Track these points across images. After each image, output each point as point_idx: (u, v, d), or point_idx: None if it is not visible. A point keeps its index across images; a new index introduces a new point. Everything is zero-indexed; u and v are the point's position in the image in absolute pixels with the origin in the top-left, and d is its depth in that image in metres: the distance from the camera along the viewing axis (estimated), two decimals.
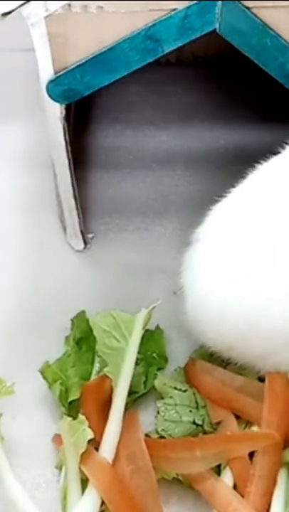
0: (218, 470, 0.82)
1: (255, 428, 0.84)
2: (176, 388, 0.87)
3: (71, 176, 0.97)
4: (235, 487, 0.81)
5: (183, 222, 1.07)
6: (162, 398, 0.87)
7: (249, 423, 0.84)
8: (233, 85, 1.21)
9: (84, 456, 0.80)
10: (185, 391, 0.87)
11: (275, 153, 0.82)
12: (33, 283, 1.02)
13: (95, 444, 0.82)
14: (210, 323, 0.84)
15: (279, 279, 0.76)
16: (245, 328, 0.79)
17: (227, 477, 0.81)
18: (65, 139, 0.92)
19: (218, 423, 0.85)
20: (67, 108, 0.90)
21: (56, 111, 0.88)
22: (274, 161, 0.82)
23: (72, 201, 1.00)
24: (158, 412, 0.86)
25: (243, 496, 0.80)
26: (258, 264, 0.77)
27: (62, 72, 0.85)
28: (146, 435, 0.85)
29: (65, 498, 0.81)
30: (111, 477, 0.80)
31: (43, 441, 0.88)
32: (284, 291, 0.76)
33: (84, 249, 1.06)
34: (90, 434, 0.80)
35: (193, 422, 0.85)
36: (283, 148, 0.82)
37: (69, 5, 0.80)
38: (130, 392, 0.86)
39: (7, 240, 1.06)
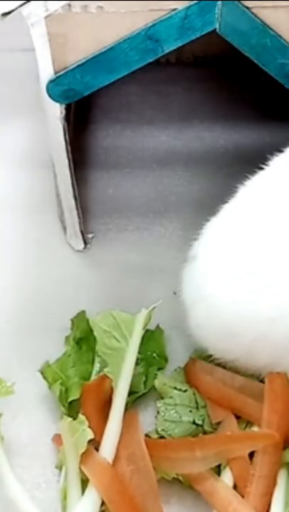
0: (218, 470, 0.82)
1: (255, 428, 0.84)
2: (176, 388, 0.87)
3: (71, 176, 0.97)
4: (235, 487, 0.81)
5: (183, 222, 1.07)
6: (162, 398, 0.87)
7: (249, 423, 0.84)
8: (233, 85, 1.21)
9: (84, 457, 0.80)
10: (185, 391, 0.87)
11: (273, 155, 0.82)
12: (33, 283, 1.02)
13: (95, 444, 0.82)
14: (214, 341, 0.84)
15: (283, 294, 0.76)
16: (251, 343, 0.80)
17: (227, 477, 0.81)
18: (65, 139, 0.92)
19: (218, 423, 0.85)
20: (67, 108, 0.90)
21: (56, 111, 0.88)
22: (263, 176, 0.81)
23: (72, 201, 1.00)
24: (158, 412, 0.86)
25: (243, 496, 0.80)
26: (262, 280, 0.77)
27: (62, 72, 0.85)
28: (146, 435, 0.85)
29: (65, 498, 0.81)
30: (111, 477, 0.80)
31: (43, 441, 0.88)
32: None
33: (84, 249, 1.06)
34: (90, 435, 0.80)
35: (193, 422, 0.85)
36: (277, 154, 0.82)
37: (69, 5, 0.80)
38: (130, 392, 0.86)
39: (7, 239, 1.06)
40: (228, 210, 0.82)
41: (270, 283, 0.76)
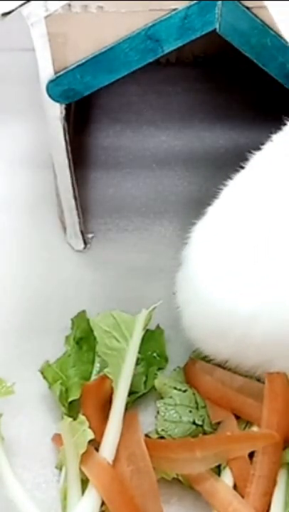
0: (218, 470, 0.82)
1: (255, 428, 0.84)
2: (176, 388, 0.87)
3: (71, 176, 0.97)
4: (235, 487, 0.81)
5: (183, 222, 1.07)
6: (162, 398, 0.87)
7: (249, 423, 0.84)
8: (233, 85, 1.21)
9: (84, 457, 0.80)
10: (185, 391, 0.87)
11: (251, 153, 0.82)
12: (33, 283, 1.02)
13: (95, 444, 0.82)
14: (205, 341, 0.85)
15: (268, 292, 0.76)
16: (238, 342, 0.80)
17: (227, 477, 0.81)
18: (65, 139, 0.92)
19: (218, 423, 0.85)
20: (67, 108, 0.90)
21: (56, 111, 0.88)
22: (245, 175, 0.81)
23: (72, 201, 1.00)
24: (158, 412, 0.86)
25: (243, 496, 0.80)
26: (248, 278, 0.77)
27: (62, 72, 0.85)
28: (146, 435, 0.85)
29: (65, 498, 0.81)
30: (111, 477, 0.80)
31: (43, 441, 0.88)
32: (276, 305, 0.76)
33: (84, 249, 1.06)
34: (90, 435, 0.80)
35: (193, 422, 0.85)
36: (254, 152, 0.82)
37: (69, 5, 0.80)
38: (130, 392, 0.86)
39: (7, 239, 1.06)
40: (213, 211, 0.82)
41: (255, 281, 0.77)
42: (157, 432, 0.85)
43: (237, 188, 0.81)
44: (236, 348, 0.82)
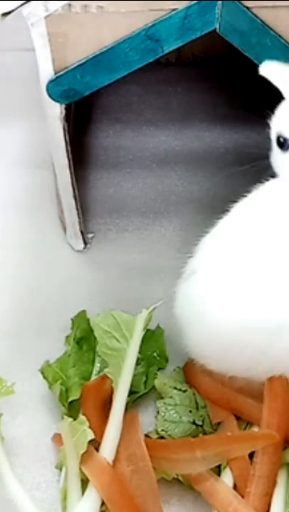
0: (218, 470, 0.82)
1: (255, 428, 0.84)
2: (176, 388, 0.87)
3: (71, 176, 0.97)
4: (235, 487, 0.81)
5: (183, 222, 1.07)
6: (162, 398, 0.87)
7: (249, 423, 0.84)
8: (233, 85, 1.21)
9: (84, 457, 0.80)
10: (185, 391, 0.87)
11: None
12: (33, 283, 1.02)
13: (95, 444, 0.82)
14: (214, 358, 0.84)
15: (281, 310, 0.76)
16: (251, 359, 0.80)
17: (227, 477, 0.81)
18: (65, 139, 0.92)
19: (218, 423, 0.85)
20: (67, 108, 0.90)
21: (56, 111, 0.88)
22: (258, 194, 0.81)
23: (72, 201, 1.00)
24: (158, 412, 0.86)
25: (243, 496, 0.80)
26: (260, 296, 0.77)
27: (62, 72, 0.85)
28: (146, 435, 0.85)
29: (65, 498, 0.81)
30: (111, 477, 0.80)
31: (43, 441, 0.88)
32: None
33: (84, 249, 1.06)
34: (90, 435, 0.80)
35: (193, 423, 0.85)
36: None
37: (69, 5, 0.80)
38: (130, 392, 0.86)
39: (7, 239, 1.06)
40: (224, 226, 0.81)
41: (268, 298, 0.76)
42: (157, 432, 0.85)
43: (250, 205, 0.81)
44: (248, 365, 0.81)
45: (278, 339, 0.77)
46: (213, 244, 0.82)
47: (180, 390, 0.87)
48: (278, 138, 0.79)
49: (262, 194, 0.80)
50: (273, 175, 0.83)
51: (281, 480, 0.81)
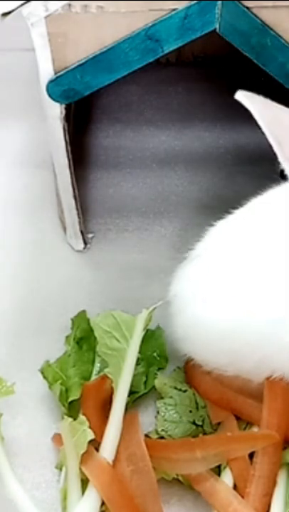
0: (218, 470, 0.82)
1: (255, 429, 0.84)
2: (176, 388, 0.87)
3: (71, 176, 0.97)
4: (235, 487, 0.81)
5: (183, 222, 1.07)
6: (162, 398, 0.87)
7: (249, 424, 0.84)
8: (233, 85, 1.21)
9: (84, 457, 0.80)
10: (185, 391, 0.87)
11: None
12: (33, 283, 1.02)
13: (95, 444, 0.82)
14: (199, 347, 0.84)
15: (278, 301, 0.76)
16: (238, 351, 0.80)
17: (227, 477, 0.81)
18: (65, 139, 0.92)
19: (218, 424, 0.85)
20: (67, 108, 0.90)
21: (56, 111, 0.88)
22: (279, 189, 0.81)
23: (72, 201, 1.00)
24: (158, 412, 0.86)
25: (243, 497, 0.80)
26: (258, 290, 0.77)
27: (62, 72, 0.85)
28: (146, 435, 0.85)
29: (65, 498, 0.81)
30: (111, 477, 0.80)
31: (43, 441, 0.88)
32: (283, 313, 0.76)
33: (84, 249, 1.06)
34: (90, 435, 0.80)
35: (193, 423, 0.85)
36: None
37: (69, 5, 0.80)
38: (130, 392, 0.86)
39: (7, 239, 1.06)
40: (238, 217, 0.81)
41: (263, 294, 0.76)
42: (157, 432, 0.85)
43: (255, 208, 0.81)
44: (234, 357, 0.81)
45: (269, 336, 0.77)
46: (223, 232, 0.82)
47: (180, 390, 0.87)
48: None
49: (280, 194, 0.80)
50: (274, 175, 0.83)
51: (281, 480, 0.81)
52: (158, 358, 0.92)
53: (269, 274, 0.76)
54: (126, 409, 0.84)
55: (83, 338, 0.92)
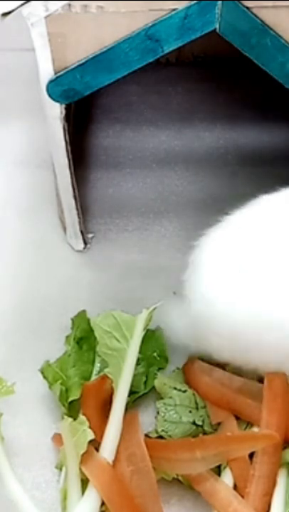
0: (218, 470, 0.82)
1: (255, 429, 0.84)
2: (176, 388, 0.87)
3: (71, 176, 0.97)
4: (235, 487, 0.81)
5: (183, 222, 1.07)
6: (162, 398, 0.87)
7: (249, 424, 0.84)
8: (233, 85, 1.21)
9: (84, 457, 0.80)
10: (185, 391, 0.87)
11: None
12: (33, 283, 1.02)
13: (95, 444, 0.82)
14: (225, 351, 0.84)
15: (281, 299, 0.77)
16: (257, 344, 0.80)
17: (227, 477, 0.81)
18: (65, 139, 0.92)
19: (218, 424, 0.85)
20: (67, 108, 0.90)
21: (56, 111, 0.88)
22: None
23: (72, 201, 1.00)
24: (158, 413, 0.86)
25: (243, 497, 0.80)
26: (265, 283, 0.77)
27: (62, 72, 0.85)
28: (146, 435, 0.85)
29: (65, 498, 0.81)
30: (111, 478, 0.80)
31: (43, 441, 0.88)
32: None
33: (84, 249, 1.06)
34: (90, 435, 0.80)
35: (193, 423, 0.85)
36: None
37: (69, 5, 0.80)
38: (130, 392, 0.86)
39: (7, 239, 1.06)
40: (259, 206, 0.82)
41: (269, 290, 0.77)
42: (157, 432, 0.85)
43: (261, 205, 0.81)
44: (236, 345, 0.81)
45: (267, 331, 0.77)
46: (241, 221, 0.82)
47: (180, 390, 0.87)
48: None
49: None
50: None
51: (281, 480, 0.81)
52: (158, 358, 0.92)
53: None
54: (126, 409, 0.84)
55: (83, 338, 0.92)
